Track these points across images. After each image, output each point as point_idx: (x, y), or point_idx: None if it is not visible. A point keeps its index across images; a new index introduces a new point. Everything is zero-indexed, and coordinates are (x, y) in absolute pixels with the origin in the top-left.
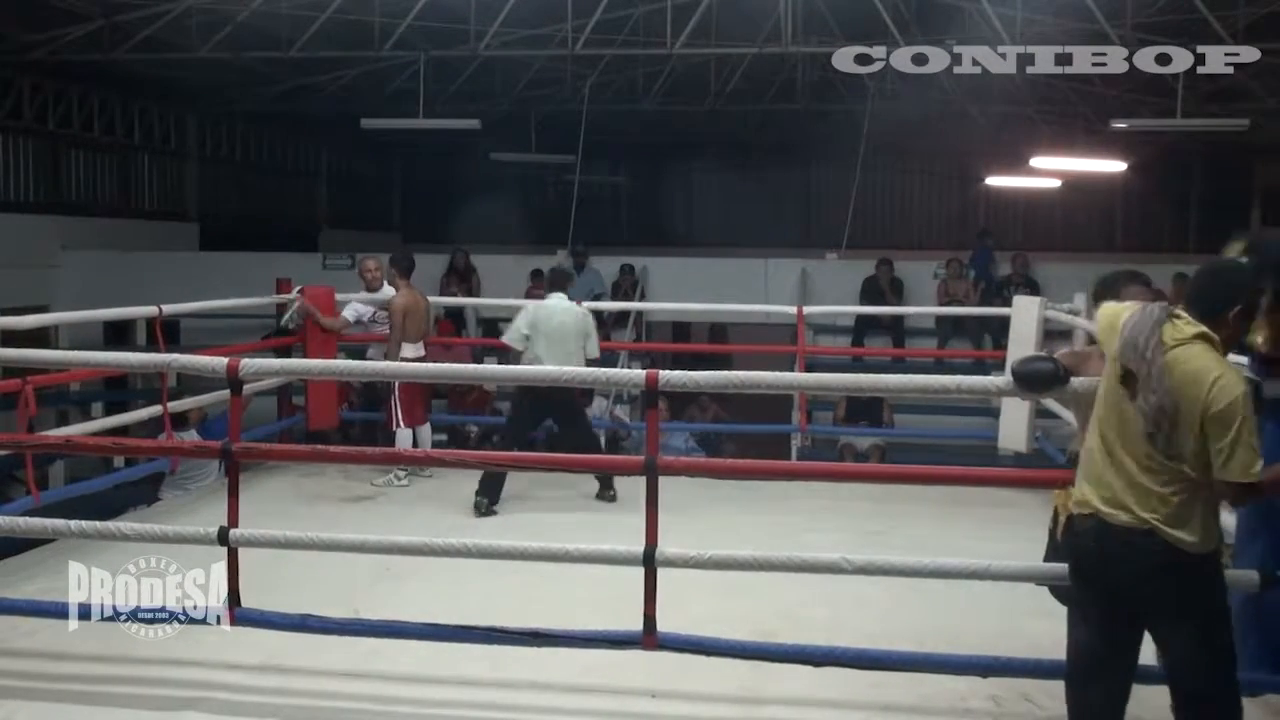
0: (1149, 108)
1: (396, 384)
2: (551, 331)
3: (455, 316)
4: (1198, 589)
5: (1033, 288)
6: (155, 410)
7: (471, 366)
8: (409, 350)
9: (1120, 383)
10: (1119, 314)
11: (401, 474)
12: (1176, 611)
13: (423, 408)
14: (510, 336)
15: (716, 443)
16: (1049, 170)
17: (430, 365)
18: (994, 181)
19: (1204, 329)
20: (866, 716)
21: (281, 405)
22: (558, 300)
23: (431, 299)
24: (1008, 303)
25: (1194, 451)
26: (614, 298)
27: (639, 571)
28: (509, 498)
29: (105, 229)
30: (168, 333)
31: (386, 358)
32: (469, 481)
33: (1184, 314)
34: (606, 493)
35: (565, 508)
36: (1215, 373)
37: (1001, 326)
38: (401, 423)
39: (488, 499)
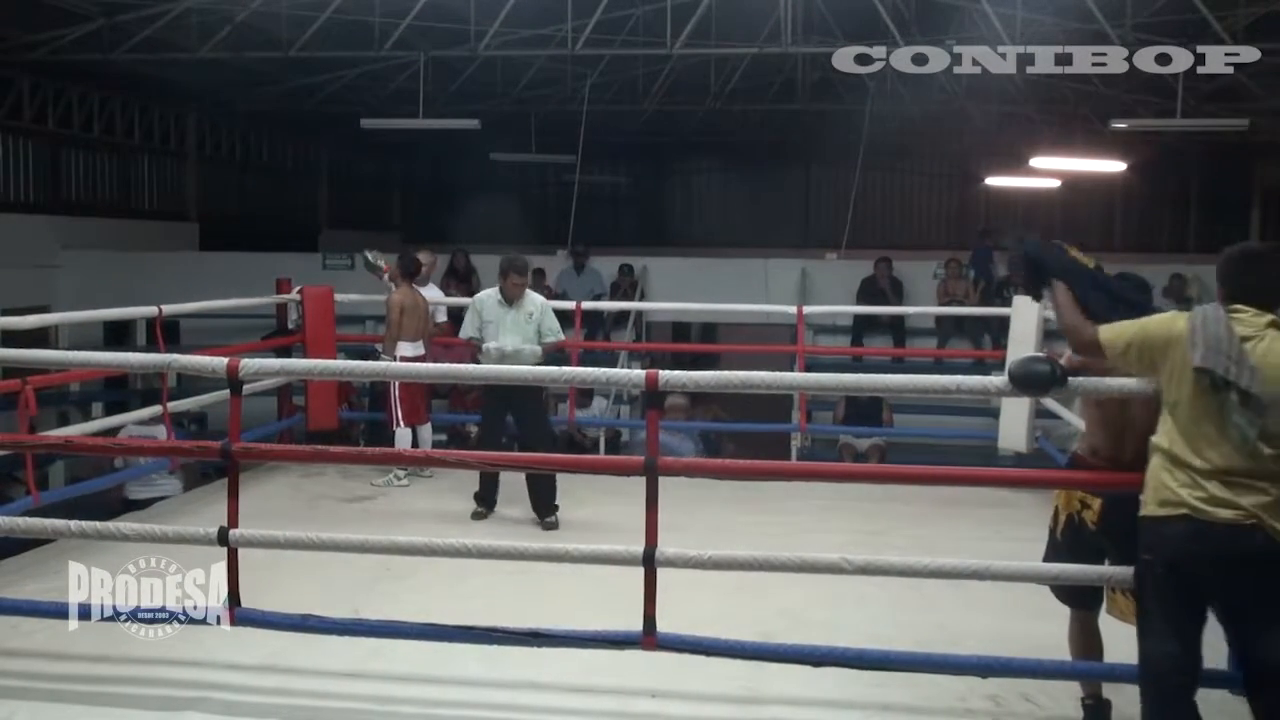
0: (1149, 108)
1: (396, 383)
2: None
3: (456, 317)
4: None
5: None
6: (155, 410)
7: (471, 366)
8: (409, 349)
9: (1210, 391)
10: (1171, 325)
11: (401, 474)
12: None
13: (424, 407)
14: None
15: (717, 443)
16: (1049, 170)
17: (430, 365)
18: (994, 181)
19: (1273, 316)
20: (866, 716)
21: (281, 405)
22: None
23: (435, 299)
24: (1007, 303)
25: None
26: (614, 298)
27: (639, 571)
28: (508, 498)
29: (105, 229)
30: (168, 333)
31: (383, 354)
32: (469, 481)
33: (1242, 308)
34: (547, 519)
35: (565, 508)
36: None
37: (1001, 326)
38: (401, 422)
39: (485, 508)
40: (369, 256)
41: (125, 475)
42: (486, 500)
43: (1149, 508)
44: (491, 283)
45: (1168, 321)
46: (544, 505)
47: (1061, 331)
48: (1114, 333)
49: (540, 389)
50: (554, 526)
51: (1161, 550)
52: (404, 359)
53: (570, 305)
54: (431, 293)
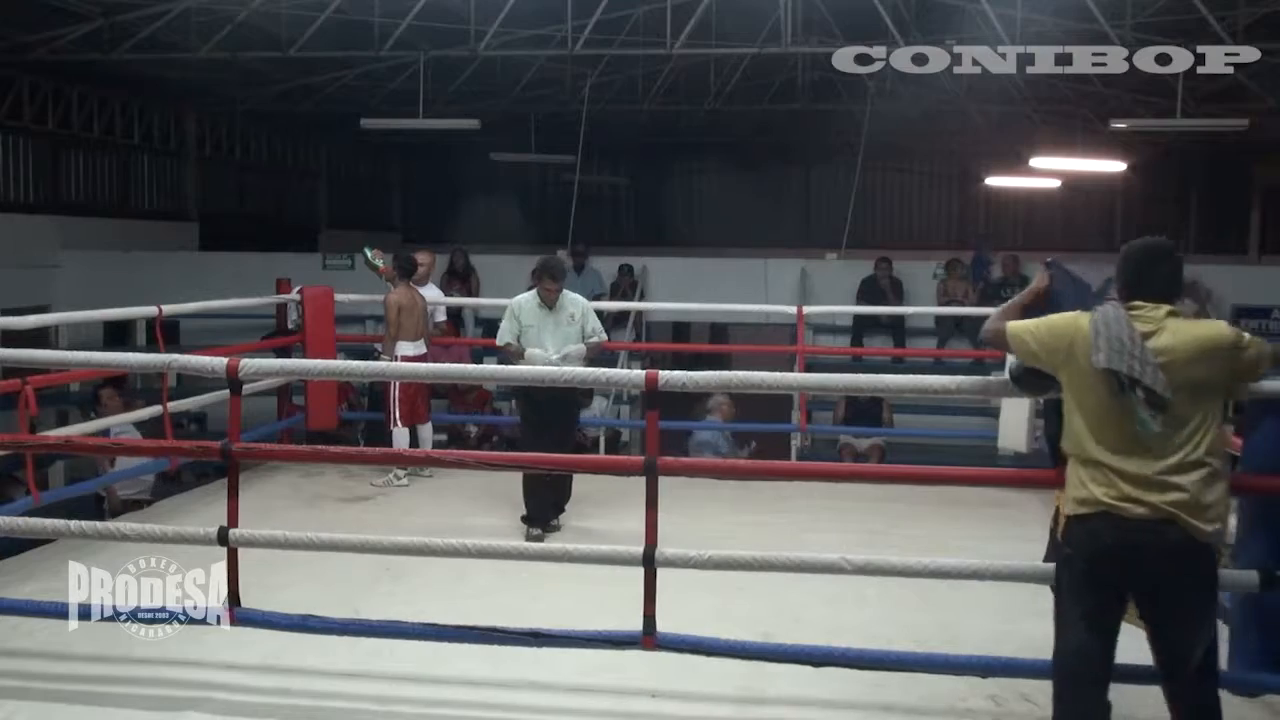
0: (1149, 108)
1: (395, 383)
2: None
3: (454, 316)
4: (1211, 575)
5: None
6: (155, 410)
7: (471, 366)
8: (409, 348)
9: (1117, 391)
10: (1074, 324)
11: (401, 474)
12: (1194, 600)
13: (424, 406)
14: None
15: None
16: (1049, 170)
17: (430, 365)
18: (994, 181)
19: (1170, 307)
20: (866, 716)
21: (281, 405)
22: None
23: (435, 299)
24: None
25: (1210, 423)
26: (613, 298)
27: (639, 572)
28: (507, 499)
29: (105, 229)
30: (168, 333)
31: (381, 354)
32: (469, 481)
33: (1140, 304)
34: (551, 521)
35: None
36: (1212, 326)
37: None
38: (399, 422)
39: (538, 528)
40: (368, 254)
41: (118, 475)
42: (539, 519)
43: (1068, 506)
44: (491, 283)
45: (1071, 321)
46: (555, 507)
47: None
48: (1020, 327)
49: (575, 398)
50: (556, 529)
51: (1081, 547)
52: (405, 359)
53: None
54: (431, 292)
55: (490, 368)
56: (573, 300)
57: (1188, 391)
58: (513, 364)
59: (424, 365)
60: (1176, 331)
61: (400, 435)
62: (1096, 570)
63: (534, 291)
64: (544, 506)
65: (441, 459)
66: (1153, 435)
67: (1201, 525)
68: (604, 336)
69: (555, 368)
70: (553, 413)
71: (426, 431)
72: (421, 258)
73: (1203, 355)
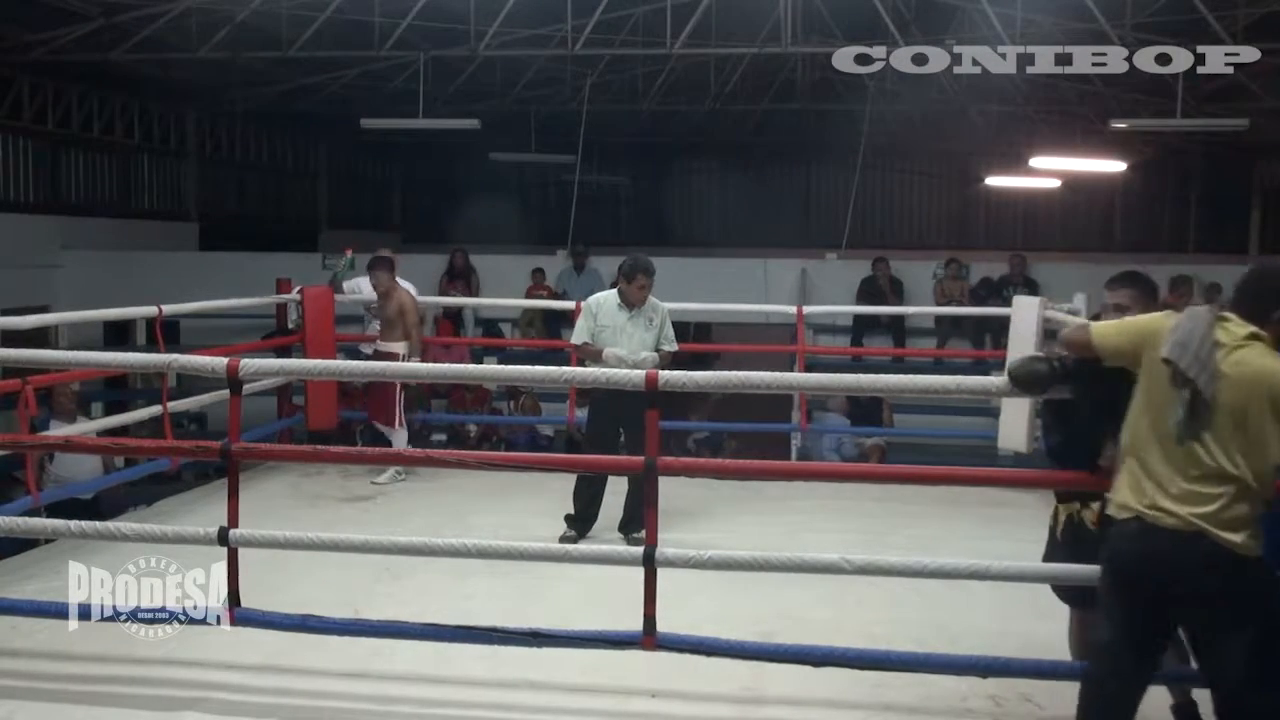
0: (1149, 108)
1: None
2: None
3: (454, 316)
4: (1247, 591)
5: (1032, 288)
6: (155, 410)
7: (471, 366)
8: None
9: (1169, 386)
10: (1160, 322)
11: (402, 472)
12: (1229, 615)
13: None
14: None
15: (717, 442)
16: (1049, 170)
17: (430, 365)
18: (994, 181)
19: (1255, 329)
20: (866, 716)
21: (281, 405)
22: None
23: (431, 299)
24: (1007, 303)
25: (1254, 451)
26: None
27: (639, 572)
28: (507, 499)
29: (105, 229)
30: (168, 333)
31: (411, 355)
32: (469, 481)
33: (1232, 316)
34: (633, 534)
35: (564, 507)
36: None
37: (1001, 326)
38: (400, 422)
39: (576, 530)
40: (352, 260)
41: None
42: (582, 521)
43: (1110, 507)
44: (491, 283)
45: (1159, 319)
46: (634, 519)
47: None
48: (1106, 326)
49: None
50: (639, 543)
51: (1111, 550)
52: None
53: (570, 305)
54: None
55: (490, 367)
56: (654, 304)
57: (1234, 415)
58: (587, 366)
59: (425, 365)
60: (1248, 355)
61: (401, 436)
62: (1121, 576)
63: (613, 291)
64: (590, 513)
65: (442, 459)
66: (1190, 445)
67: (1231, 536)
68: (675, 346)
69: (556, 368)
70: (628, 415)
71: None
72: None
73: (1257, 386)
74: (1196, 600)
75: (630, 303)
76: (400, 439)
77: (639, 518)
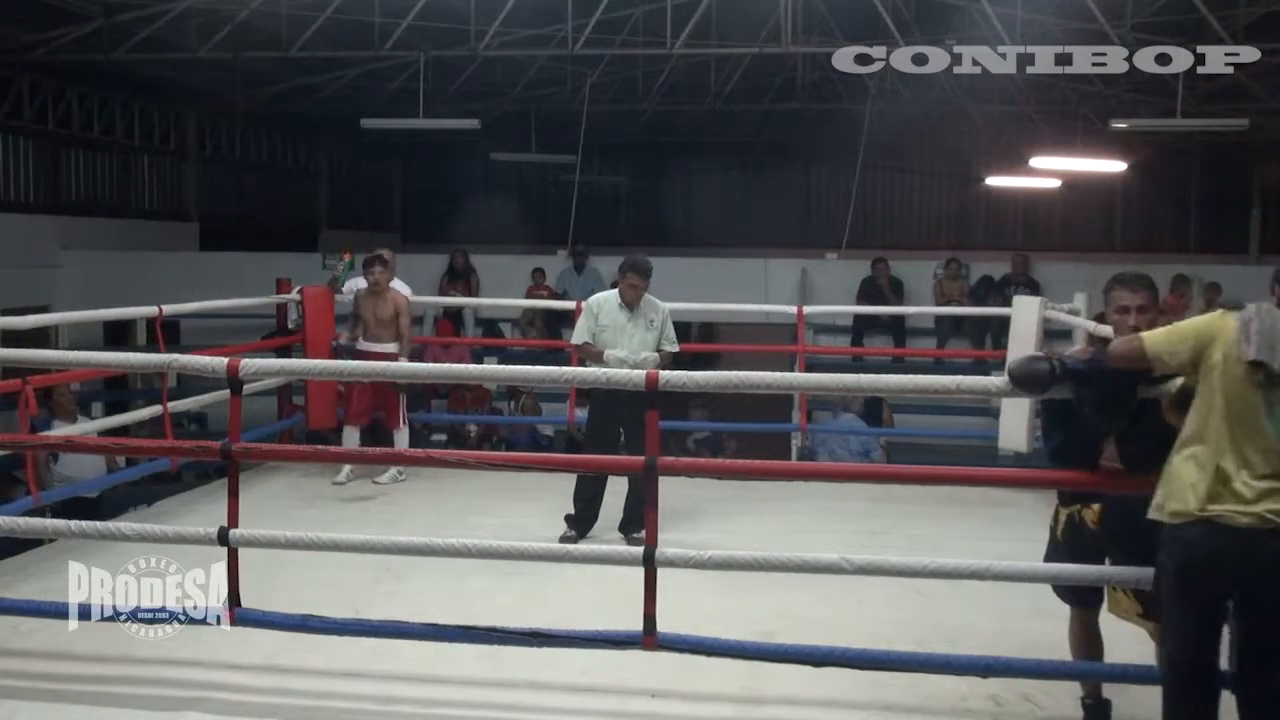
0: (1149, 108)
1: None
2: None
3: (454, 316)
4: None
5: (1033, 288)
6: (155, 410)
7: (471, 366)
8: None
9: (1257, 387)
10: (1220, 322)
11: (402, 472)
12: None
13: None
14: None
15: (717, 442)
16: (1049, 170)
17: (430, 365)
18: (994, 181)
19: None
20: (866, 716)
21: (281, 405)
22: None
23: (431, 299)
24: (1008, 302)
25: None
26: None
27: (639, 571)
28: (507, 499)
29: (105, 229)
30: (168, 333)
31: (401, 355)
32: (468, 482)
33: None
34: (633, 535)
35: (564, 507)
36: None
37: (1001, 326)
38: (403, 422)
39: (576, 531)
40: (353, 262)
41: (122, 476)
42: (582, 522)
43: (1169, 506)
44: (491, 283)
45: (1216, 319)
46: (634, 519)
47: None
48: (1160, 334)
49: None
50: (639, 543)
51: (1178, 553)
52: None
53: (570, 305)
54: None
55: (491, 367)
56: (654, 304)
57: None
58: (588, 366)
59: (425, 365)
60: None
61: (402, 436)
62: (1190, 579)
63: (614, 291)
64: (590, 513)
65: (442, 459)
66: (1277, 438)
67: None
68: (677, 347)
69: (557, 368)
70: (629, 415)
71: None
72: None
73: None
74: (1263, 599)
75: (628, 302)
76: (403, 439)
77: (639, 518)
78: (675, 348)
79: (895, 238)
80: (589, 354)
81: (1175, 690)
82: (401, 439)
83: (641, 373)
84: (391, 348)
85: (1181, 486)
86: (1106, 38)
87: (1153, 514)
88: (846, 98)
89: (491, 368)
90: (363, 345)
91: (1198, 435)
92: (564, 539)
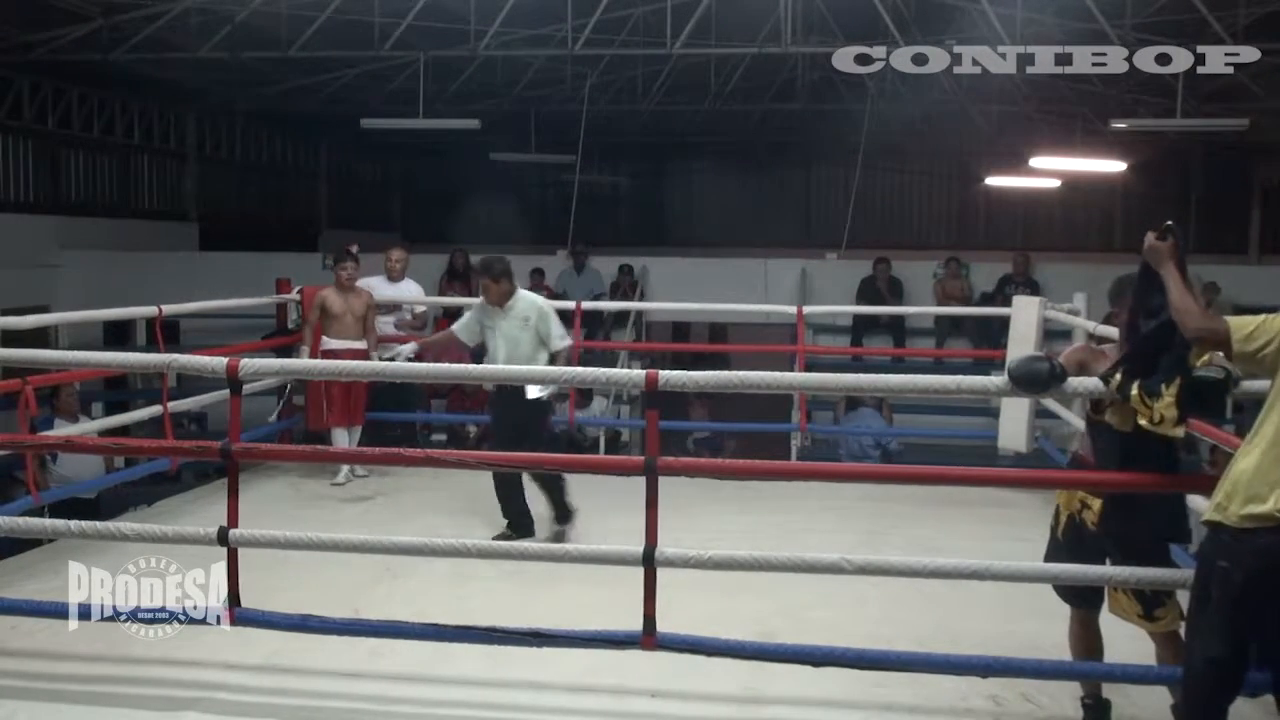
0: (1149, 108)
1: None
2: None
3: (454, 316)
4: None
5: (1033, 288)
6: (155, 410)
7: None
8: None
9: None
10: None
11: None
12: None
13: (359, 409)
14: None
15: (717, 442)
16: (1049, 170)
17: (430, 365)
18: (994, 181)
19: None
20: (866, 716)
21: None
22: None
23: (431, 299)
24: (1008, 302)
25: None
26: (613, 298)
27: (639, 571)
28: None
29: (105, 229)
30: (168, 333)
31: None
32: (468, 481)
33: None
34: (561, 526)
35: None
36: None
37: (1001, 326)
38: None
39: (519, 534)
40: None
41: (122, 476)
42: (520, 527)
43: (1234, 508)
44: None
45: None
46: (558, 511)
47: (1174, 314)
48: (1245, 320)
49: (540, 409)
50: (562, 537)
51: (1245, 561)
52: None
53: (570, 305)
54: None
55: (491, 367)
56: (529, 304)
57: None
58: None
59: (425, 365)
60: None
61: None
62: (1262, 588)
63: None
64: (523, 513)
65: (441, 459)
66: None
67: None
68: (568, 341)
69: (556, 368)
70: (507, 421)
71: (355, 435)
72: (395, 254)
73: None
74: None
75: (491, 302)
76: (342, 439)
77: (563, 510)
78: (565, 343)
79: (895, 238)
80: (438, 343)
81: (1209, 687)
82: (341, 439)
83: (642, 373)
84: (361, 345)
85: (1251, 490)
86: (1106, 38)
87: (1212, 516)
88: (847, 98)
89: (491, 368)
90: (332, 344)
91: (1270, 436)
92: (500, 537)
